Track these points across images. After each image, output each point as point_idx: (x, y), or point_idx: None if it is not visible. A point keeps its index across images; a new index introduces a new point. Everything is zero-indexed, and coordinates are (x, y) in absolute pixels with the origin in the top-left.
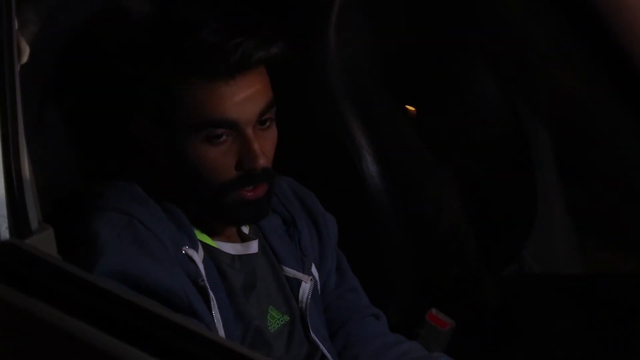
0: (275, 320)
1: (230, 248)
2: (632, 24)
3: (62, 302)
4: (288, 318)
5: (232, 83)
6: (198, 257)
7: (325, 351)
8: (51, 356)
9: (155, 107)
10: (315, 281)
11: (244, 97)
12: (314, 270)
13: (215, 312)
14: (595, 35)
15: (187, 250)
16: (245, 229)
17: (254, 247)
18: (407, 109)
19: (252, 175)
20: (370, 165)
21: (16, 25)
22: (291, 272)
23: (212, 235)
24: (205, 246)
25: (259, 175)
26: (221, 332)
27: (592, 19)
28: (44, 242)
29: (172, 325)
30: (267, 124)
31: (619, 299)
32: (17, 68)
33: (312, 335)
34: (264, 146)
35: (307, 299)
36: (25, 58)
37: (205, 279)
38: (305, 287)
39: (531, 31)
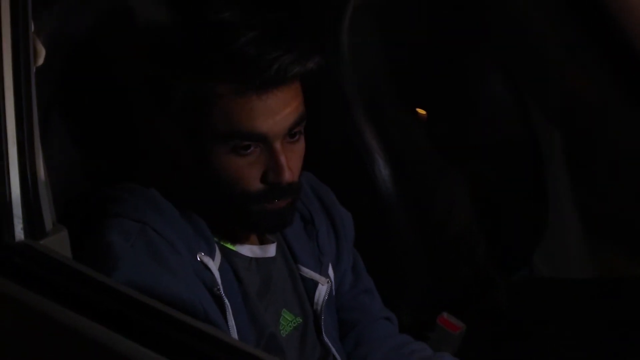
0: (288, 323)
1: (248, 251)
2: None
3: (76, 303)
4: (301, 320)
5: (265, 97)
6: (214, 264)
7: (335, 353)
8: (64, 356)
9: (183, 112)
10: (331, 282)
11: (276, 112)
12: (330, 271)
13: (230, 319)
14: (608, 38)
15: (202, 257)
16: None
17: (271, 250)
18: (417, 112)
19: (277, 188)
20: (382, 169)
21: (32, 27)
22: (308, 272)
23: (230, 238)
24: (223, 248)
25: (283, 189)
26: (235, 337)
27: (605, 22)
28: (58, 243)
29: (185, 327)
30: (297, 137)
31: (631, 303)
32: (33, 70)
33: (325, 337)
34: (291, 159)
35: (322, 301)
36: (41, 60)
37: (220, 287)
38: (322, 290)
39: (543, 33)
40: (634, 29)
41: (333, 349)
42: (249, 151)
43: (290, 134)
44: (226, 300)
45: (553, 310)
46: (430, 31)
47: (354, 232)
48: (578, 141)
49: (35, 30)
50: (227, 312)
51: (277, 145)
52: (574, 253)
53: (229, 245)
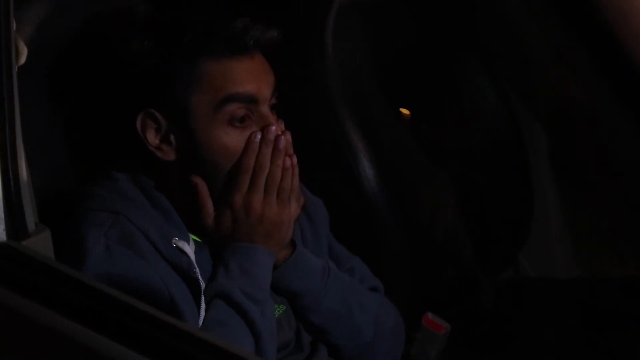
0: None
1: None
2: (634, 30)
3: (59, 304)
4: (284, 307)
5: (243, 61)
6: (189, 248)
7: (304, 333)
8: (48, 358)
9: (172, 96)
10: None
11: (258, 75)
12: None
13: (204, 301)
14: (597, 40)
15: (177, 242)
16: None
17: None
18: (402, 112)
19: None
20: (367, 170)
21: (14, 26)
22: None
23: (200, 234)
24: (195, 242)
25: None
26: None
27: (595, 24)
28: (41, 243)
29: (169, 327)
30: (274, 112)
31: (615, 304)
32: (15, 69)
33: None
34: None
35: None
36: (23, 59)
37: (197, 269)
38: None
39: (531, 35)
40: (625, 33)
41: (303, 330)
42: (244, 123)
43: (270, 105)
44: (202, 283)
45: (538, 310)
46: (416, 32)
47: (328, 217)
48: (564, 143)
49: (17, 29)
50: (202, 295)
51: (266, 110)
52: (559, 253)
53: (197, 239)
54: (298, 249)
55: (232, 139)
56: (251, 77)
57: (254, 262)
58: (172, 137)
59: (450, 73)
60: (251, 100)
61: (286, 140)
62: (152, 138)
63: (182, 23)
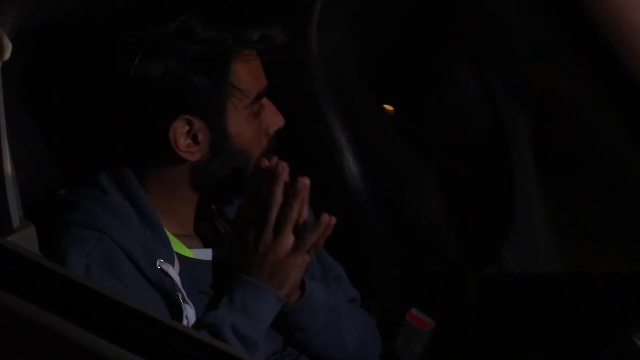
0: None
1: (208, 254)
2: (619, 23)
3: (44, 299)
4: None
5: (257, 56)
6: (174, 270)
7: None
8: (33, 353)
9: (205, 102)
10: None
11: (262, 72)
12: None
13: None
14: (583, 33)
15: (162, 264)
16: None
17: None
18: (385, 108)
19: (271, 141)
20: (352, 165)
21: None
22: None
23: (189, 240)
24: (182, 258)
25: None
26: None
27: (580, 16)
28: (26, 239)
29: (154, 323)
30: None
31: (599, 297)
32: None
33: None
34: None
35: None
36: (7, 55)
37: (181, 292)
38: None
39: (516, 27)
40: (611, 29)
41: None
42: (261, 112)
43: None
44: (184, 307)
45: (522, 305)
46: (401, 26)
47: (313, 222)
48: (547, 136)
49: (0, 24)
50: (185, 318)
51: (266, 100)
52: (542, 247)
53: (187, 254)
54: (307, 293)
55: (254, 128)
56: (262, 72)
57: (260, 302)
58: (200, 138)
59: (434, 66)
60: (265, 94)
61: (303, 184)
62: (182, 142)
63: (203, 35)
